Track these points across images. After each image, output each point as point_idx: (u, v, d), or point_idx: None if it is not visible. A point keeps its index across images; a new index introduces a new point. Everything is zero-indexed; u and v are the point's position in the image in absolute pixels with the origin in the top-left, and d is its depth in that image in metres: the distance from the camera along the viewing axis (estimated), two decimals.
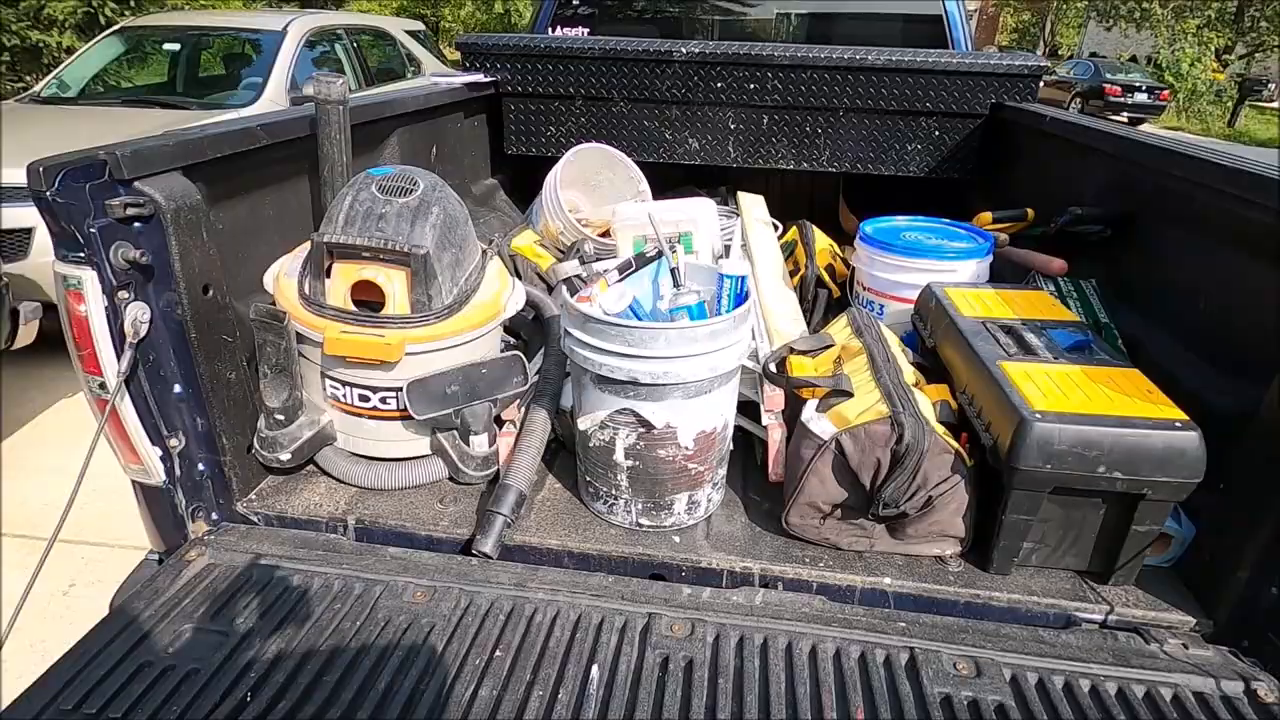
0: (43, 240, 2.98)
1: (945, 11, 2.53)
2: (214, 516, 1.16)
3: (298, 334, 1.10)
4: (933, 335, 1.30)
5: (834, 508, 1.05)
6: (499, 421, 1.24)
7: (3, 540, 2.30)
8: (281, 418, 1.14)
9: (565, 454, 1.29)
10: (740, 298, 1.08)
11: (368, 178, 1.14)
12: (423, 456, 1.22)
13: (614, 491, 1.10)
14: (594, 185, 2.08)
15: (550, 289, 1.62)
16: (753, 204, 2.02)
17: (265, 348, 1.10)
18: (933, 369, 1.25)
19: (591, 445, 1.09)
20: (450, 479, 1.22)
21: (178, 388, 1.06)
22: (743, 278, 1.08)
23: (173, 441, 1.08)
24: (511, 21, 17.52)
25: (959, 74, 1.98)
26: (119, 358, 0.98)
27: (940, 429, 1.02)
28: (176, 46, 4.29)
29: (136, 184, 0.95)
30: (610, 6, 2.84)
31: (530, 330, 1.53)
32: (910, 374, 1.16)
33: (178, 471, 1.10)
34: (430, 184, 1.15)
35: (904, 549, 1.08)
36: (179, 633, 0.90)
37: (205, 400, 1.07)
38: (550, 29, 2.73)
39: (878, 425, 0.99)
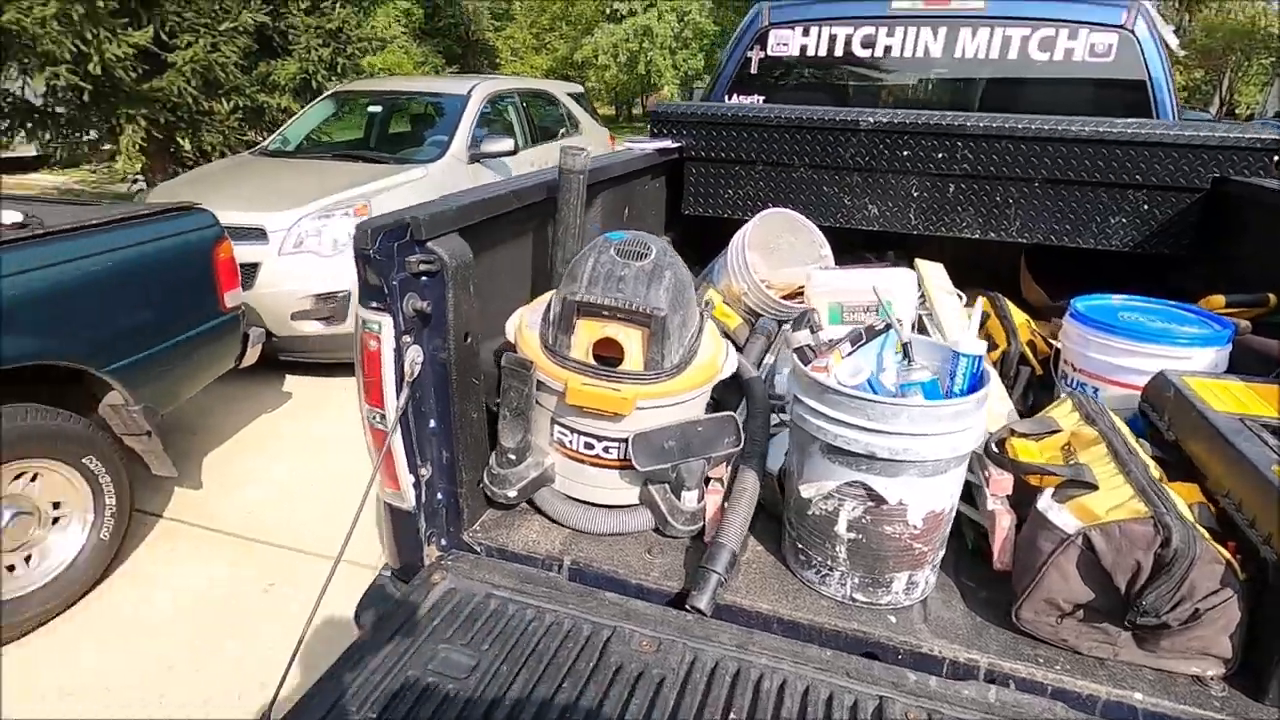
0: (265, 274, 3.42)
1: (1149, 78, 2.40)
2: (443, 543, 1.26)
3: (538, 381, 1.19)
4: (1172, 428, 1.21)
5: (1076, 607, 0.99)
6: (705, 479, 1.27)
7: (216, 536, 2.60)
8: (513, 457, 1.24)
9: (765, 517, 1.30)
10: (976, 378, 1.07)
11: (606, 242, 1.23)
12: (633, 506, 1.27)
13: (829, 562, 1.09)
14: (773, 248, 2.13)
15: (740, 348, 1.66)
16: (934, 272, 1.98)
17: (509, 392, 1.20)
18: (1174, 464, 1.16)
19: (810, 513, 1.09)
20: (656, 530, 1.26)
21: (433, 423, 1.18)
22: (979, 357, 1.07)
23: (423, 471, 1.20)
24: (651, 82, 18.37)
25: (1176, 146, 1.87)
26: (398, 394, 1.11)
27: (1205, 534, 0.94)
28: (378, 109, 4.86)
29: (429, 244, 1.09)
30: (784, 74, 2.94)
31: (720, 389, 1.57)
32: (1154, 469, 1.08)
33: (423, 498, 1.22)
34: (660, 249, 1.23)
35: (1154, 662, 0.99)
36: (435, 651, 0.98)
37: (453, 436, 1.19)
38: (726, 96, 2.85)
39: (1138, 525, 0.93)
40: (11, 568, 2.07)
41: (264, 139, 6.50)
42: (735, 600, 1.11)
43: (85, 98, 5.13)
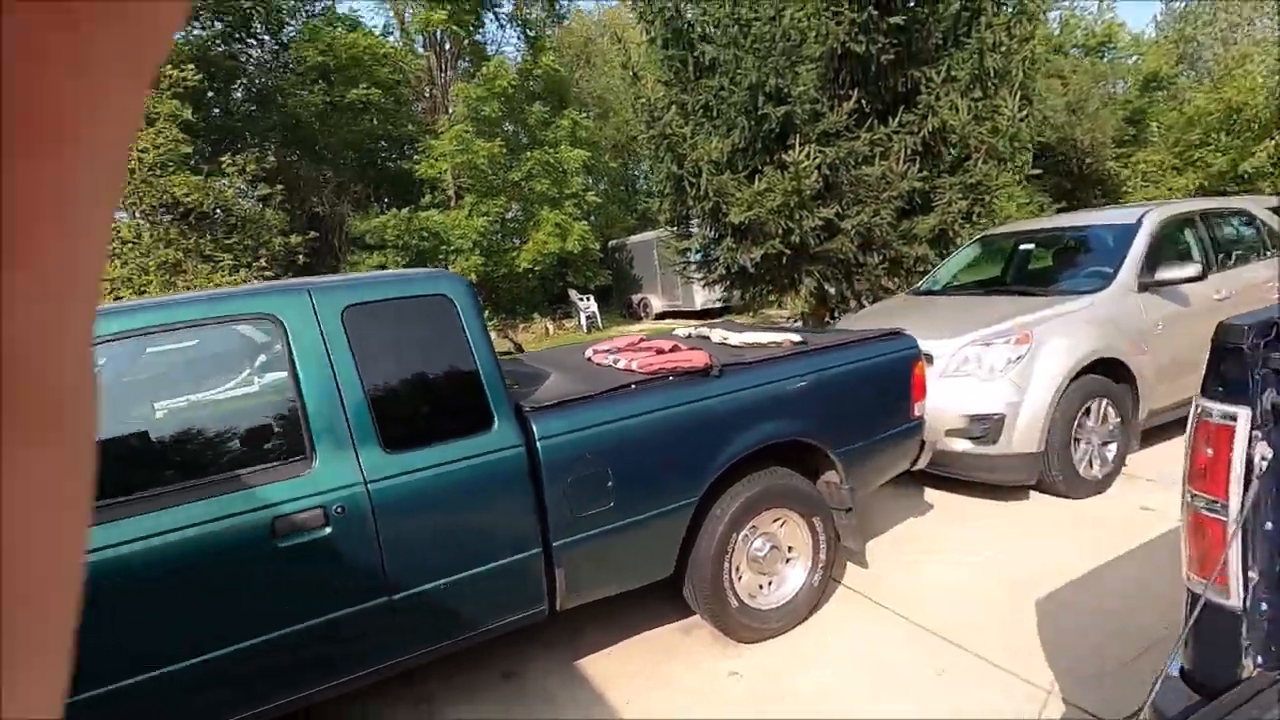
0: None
1: None
2: (1259, 660, 1.18)
3: None
4: None
5: None
6: None
7: (885, 612, 2.96)
8: None
9: None
10: None
11: None
12: None
13: None
14: None
15: None
16: None
17: None
18: None
19: None
20: None
21: (1269, 525, 1.15)
22: None
23: (1251, 573, 1.17)
24: None
25: None
26: (1244, 488, 1.14)
27: None
28: (1030, 246, 5.04)
29: None
30: None
31: None
32: None
33: (1247, 604, 1.18)
34: None
35: None
36: None
37: None
38: None
39: None
40: (761, 587, 2.83)
41: (899, 285, 7.48)
42: None
43: (783, 261, 6.93)
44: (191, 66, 11.02)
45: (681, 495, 2.51)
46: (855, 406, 2.92)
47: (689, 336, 3.35)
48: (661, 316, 16.52)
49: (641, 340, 3.12)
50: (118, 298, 10.24)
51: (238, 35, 14.92)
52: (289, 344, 2.02)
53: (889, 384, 3.02)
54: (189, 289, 10.80)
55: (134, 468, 1.86)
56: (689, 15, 6.93)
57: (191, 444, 1.97)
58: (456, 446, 2.14)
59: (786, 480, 2.78)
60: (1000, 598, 2.94)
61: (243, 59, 15.15)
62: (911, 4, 6.66)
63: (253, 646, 1.87)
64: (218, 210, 11.57)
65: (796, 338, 3.10)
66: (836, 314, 7.94)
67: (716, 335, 3.24)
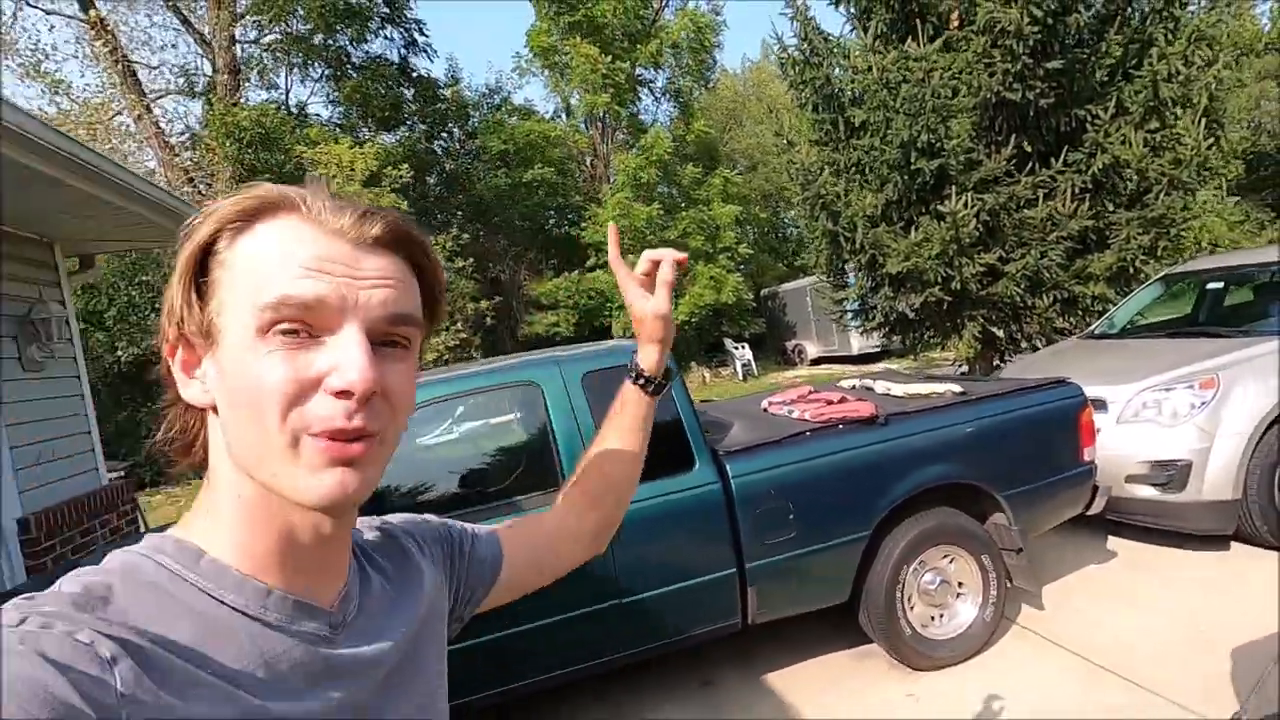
0: (1103, 439, 3.86)
1: None
2: None
3: None
4: None
5: None
6: None
7: (1061, 651, 3.06)
8: None
9: None
10: None
11: None
12: None
13: None
14: None
15: None
16: None
17: None
18: None
19: None
20: None
21: None
22: None
23: None
24: None
25: None
26: None
27: None
28: (1219, 284, 4.82)
29: None
30: None
31: None
32: None
33: None
34: None
35: None
36: None
37: None
38: None
39: None
40: (932, 618, 3.07)
41: (1074, 326, 7.20)
42: None
43: (944, 307, 6.99)
44: (405, 166, 13.20)
45: (854, 529, 2.87)
46: (1018, 451, 3.12)
47: (854, 388, 3.71)
48: (817, 362, 16.55)
49: (811, 392, 3.54)
50: None
51: (435, 133, 17.53)
52: (545, 402, 2.70)
53: (1052, 430, 3.18)
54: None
55: (452, 489, 2.61)
56: (837, 82, 7.38)
57: (480, 473, 2.70)
58: (667, 482, 2.70)
59: (953, 519, 3.04)
60: (1191, 644, 2.94)
61: (439, 151, 17.75)
62: (1072, 44, 6.62)
63: (530, 630, 2.51)
64: None
65: (958, 388, 3.36)
66: (1007, 357, 7.76)
67: (880, 386, 3.58)
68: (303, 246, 0.52)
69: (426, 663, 0.67)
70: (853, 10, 7.59)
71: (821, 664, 3.23)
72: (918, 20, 6.89)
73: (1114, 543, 4.04)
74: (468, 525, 0.83)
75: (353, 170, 12.29)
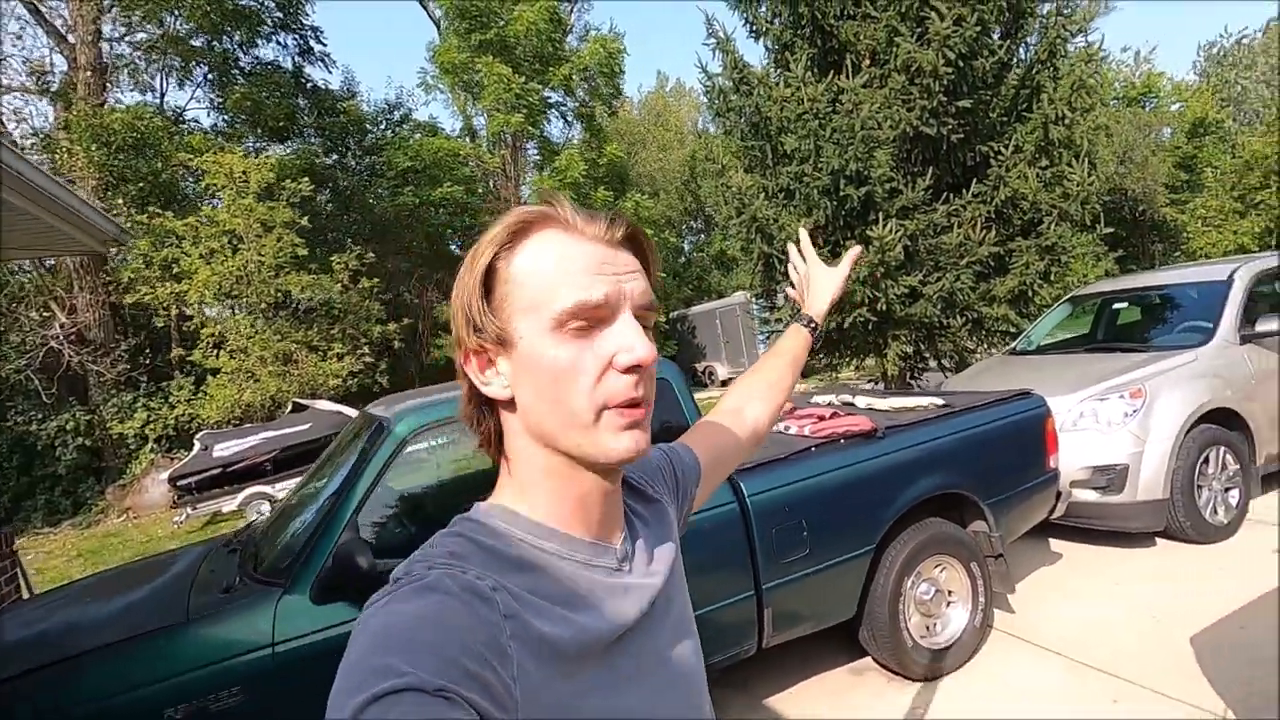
0: None
1: None
2: None
3: None
4: None
5: None
6: None
7: (1043, 651, 3.20)
8: None
9: None
10: None
11: None
12: None
13: None
14: None
15: None
16: None
17: None
18: None
19: None
20: None
21: None
22: None
23: None
24: None
25: None
26: None
27: None
28: (1123, 305, 5.35)
29: None
30: None
31: None
32: None
33: None
34: None
35: None
36: None
37: None
38: None
39: None
40: (928, 628, 3.12)
41: (980, 344, 7.78)
42: None
43: (869, 326, 7.34)
44: (305, 179, 12.36)
45: (862, 542, 2.88)
46: (1000, 461, 3.26)
47: (830, 404, 3.76)
48: (727, 383, 16.93)
49: (795, 409, 3.55)
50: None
51: (334, 146, 16.60)
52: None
53: (1026, 439, 3.36)
54: (299, 377, 11.77)
55: None
56: (766, 110, 7.65)
57: None
58: None
59: (945, 529, 3.12)
60: (1150, 634, 3.16)
61: (335, 166, 16.79)
62: (979, 86, 7.23)
63: None
64: (323, 305, 12.66)
65: (939, 401, 3.48)
66: (915, 375, 8.24)
67: (861, 401, 3.65)
68: (578, 256, 0.63)
69: (682, 578, 0.82)
70: (772, 45, 7.94)
71: (821, 682, 3.20)
72: (838, 57, 7.30)
73: (1055, 544, 4.32)
74: (664, 446, 0.97)
75: (246, 181, 11.35)
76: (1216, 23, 54.13)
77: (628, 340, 0.62)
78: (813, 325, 1.17)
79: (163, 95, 15.14)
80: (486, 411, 0.68)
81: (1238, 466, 4.13)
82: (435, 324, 15.93)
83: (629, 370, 0.62)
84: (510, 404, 0.66)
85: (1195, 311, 4.80)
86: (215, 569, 2.47)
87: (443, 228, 17.08)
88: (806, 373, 14.72)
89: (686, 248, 28.34)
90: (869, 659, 3.22)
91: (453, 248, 18.42)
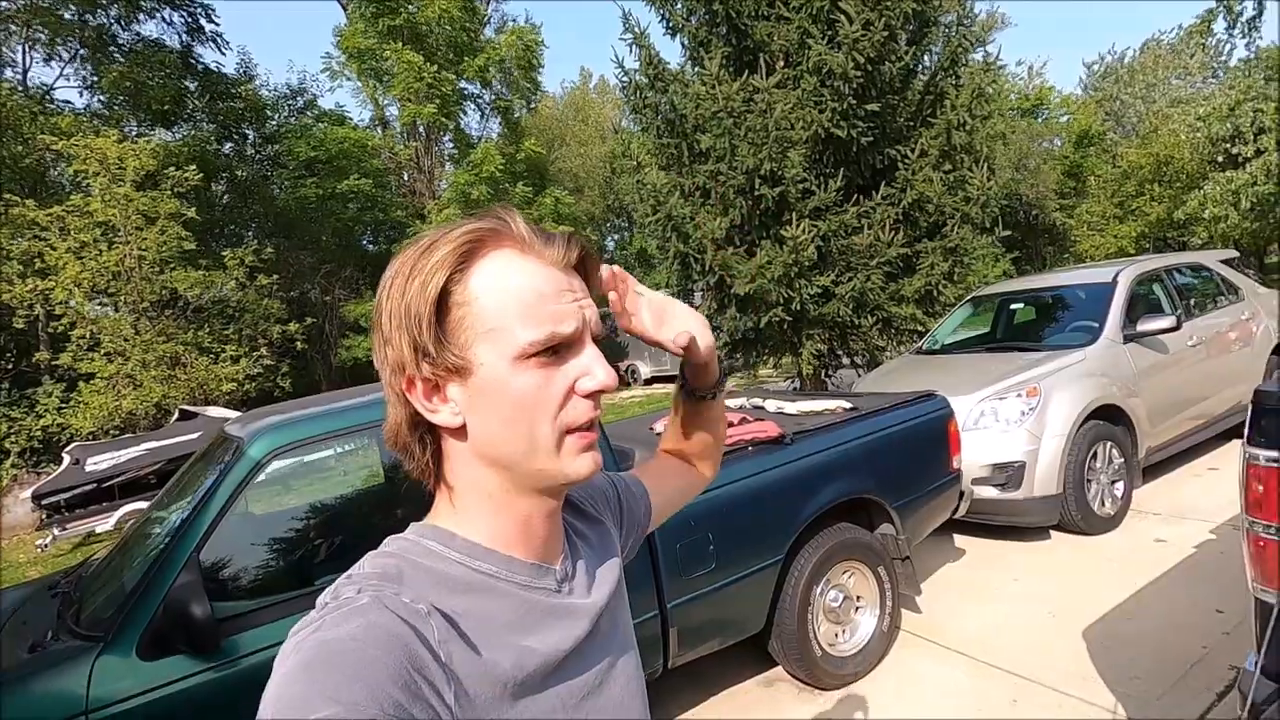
0: None
1: None
2: None
3: None
4: None
5: None
6: None
7: (947, 651, 3.22)
8: None
9: None
10: None
11: None
12: None
13: None
14: None
15: None
16: None
17: None
18: None
19: None
20: None
21: None
22: None
23: None
24: None
25: None
26: None
27: None
28: (1020, 305, 5.56)
29: None
30: None
31: None
32: None
33: None
34: None
35: None
36: None
37: None
38: None
39: None
40: (837, 635, 3.08)
41: (890, 343, 7.99)
42: None
43: (784, 326, 7.39)
44: (193, 167, 11.41)
45: (770, 554, 2.79)
46: (906, 463, 3.26)
47: (740, 408, 3.68)
48: (650, 382, 16.90)
49: None
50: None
51: (228, 134, 15.46)
52: None
53: (931, 441, 3.38)
54: (188, 382, 10.87)
55: None
56: (681, 107, 7.58)
57: None
58: None
59: (852, 534, 3.08)
60: (1048, 630, 3.23)
61: (231, 155, 15.66)
62: (887, 90, 7.39)
63: None
64: (216, 303, 11.74)
65: (847, 404, 3.45)
66: (830, 373, 8.39)
67: (771, 405, 3.58)
68: (541, 283, 0.61)
69: (624, 595, 0.79)
70: (689, 42, 7.88)
71: (730, 696, 3.10)
72: (752, 56, 7.30)
73: (959, 540, 4.42)
74: (612, 475, 0.91)
75: (122, 168, 10.35)
76: (1102, 42, 58.88)
77: (591, 367, 0.62)
78: (717, 386, 0.91)
79: (25, 72, 13.66)
80: (428, 439, 0.64)
81: (1122, 460, 4.34)
82: (344, 323, 15.11)
83: (591, 395, 0.63)
84: (459, 431, 0.62)
85: (1084, 312, 5.02)
86: (29, 618, 2.11)
87: (353, 222, 16.24)
88: (726, 372, 14.85)
89: (610, 245, 28.24)
90: (780, 669, 3.15)
91: (364, 242, 17.58)
